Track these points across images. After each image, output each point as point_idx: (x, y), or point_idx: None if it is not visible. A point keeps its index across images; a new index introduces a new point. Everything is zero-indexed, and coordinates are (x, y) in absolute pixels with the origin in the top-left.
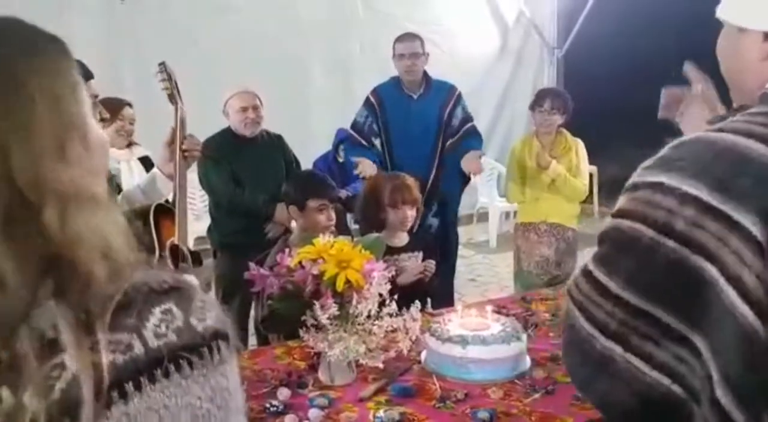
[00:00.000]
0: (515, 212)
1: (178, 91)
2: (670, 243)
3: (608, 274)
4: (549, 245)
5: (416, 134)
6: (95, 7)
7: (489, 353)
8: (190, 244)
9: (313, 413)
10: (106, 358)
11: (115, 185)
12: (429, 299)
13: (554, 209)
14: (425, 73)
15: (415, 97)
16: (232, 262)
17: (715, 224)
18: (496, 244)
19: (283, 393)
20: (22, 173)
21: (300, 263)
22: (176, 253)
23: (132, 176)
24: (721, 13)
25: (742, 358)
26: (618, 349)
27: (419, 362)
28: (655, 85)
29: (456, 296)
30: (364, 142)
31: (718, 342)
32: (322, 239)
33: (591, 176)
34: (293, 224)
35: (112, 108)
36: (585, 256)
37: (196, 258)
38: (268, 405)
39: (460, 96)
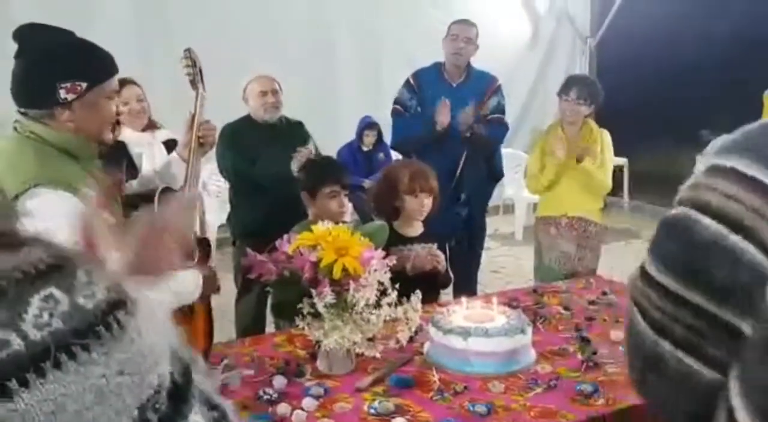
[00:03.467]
0: None
1: (202, 78)
2: (707, 221)
3: (651, 260)
4: (570, 239)
5: (451, 121)
6: None
7: (491, 345)
8: (214, 232)
9: (306, 402)
10: None
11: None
12: (451, 289)
13: (575, 202)
14: (468, 63)
15: (454, 85)
16: (251, 251)
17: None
18: (522, 236)
19: (279, 381)
20: None
21: (299, 249)
22: None
23: (154, 162)
24: None
25: (762, 359)
26: (665, 345)
27: (422, 353)
28: (690, 78)
29: (478, 287)
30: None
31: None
32: (322, 226)
33: (621, 168)
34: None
35: None
36: (612, 251)
37: (204, 244)
38: (261, 393)
39: (499, 88)
